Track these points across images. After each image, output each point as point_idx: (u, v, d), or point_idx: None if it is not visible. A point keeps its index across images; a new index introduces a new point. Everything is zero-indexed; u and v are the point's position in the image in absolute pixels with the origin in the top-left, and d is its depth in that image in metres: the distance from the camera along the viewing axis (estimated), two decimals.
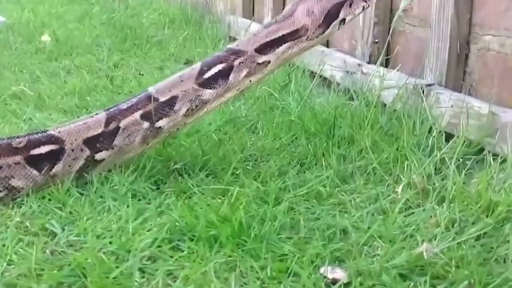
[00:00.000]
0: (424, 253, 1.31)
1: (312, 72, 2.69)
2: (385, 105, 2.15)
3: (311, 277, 1.25)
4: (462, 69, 2.05)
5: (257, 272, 1.28)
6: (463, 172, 1.67)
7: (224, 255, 1.34)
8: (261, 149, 1.98)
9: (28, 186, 1.64)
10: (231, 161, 1.81)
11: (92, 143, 1.69)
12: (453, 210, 1.50)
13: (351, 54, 2.59)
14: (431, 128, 1.91)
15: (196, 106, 1.76)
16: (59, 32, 3.96)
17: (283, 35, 1.79)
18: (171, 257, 1.35)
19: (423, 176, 1.69)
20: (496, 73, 1.92)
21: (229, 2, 4.07)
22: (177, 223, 1.44)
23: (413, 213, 1.54)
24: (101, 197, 1.62)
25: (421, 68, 2.16)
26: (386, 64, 2.34)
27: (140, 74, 3.03)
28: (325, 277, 1.26)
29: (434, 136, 1.86)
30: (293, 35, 1.79)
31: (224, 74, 1.77)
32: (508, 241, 1.37)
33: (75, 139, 1.67)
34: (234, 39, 3.19)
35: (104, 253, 1.34)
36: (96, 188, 1.66)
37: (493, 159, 1.67)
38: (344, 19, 1.83)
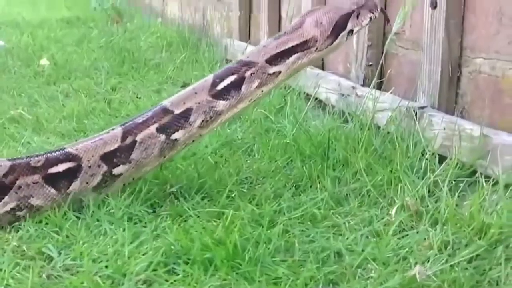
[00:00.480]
0: (417, 276, 1.32)
1: (307, 95, 2.72)
2: (379, 127, 2.18)
3: None
4: (454, 92, 2.08)
5: None
6: (456, 194, 1.68)
7: (219, 278, 1.35)
8: (257, 172, 2.00)
9: (46, 204, 1.66)
10: (226, 184, 1.83)
11: (109, 158, 1.70)
12: (446, 232, 1.51)
13: (345, 77, 2.63)
14: (424, 150, 1.94)
15: (211, 117, 1.79)
16: (57, 55, 3.99)
17: (292, 46, 1.82)
18: (166, 280, 1.36)
19: (416, 199, 1.71)
20: (488, 96, 1.95)
21: (225, 25, 4.12)
22: (172, 246, 1.46)
23: (406, 235, 1.56)
24: (98, 220, 1.64)
25: (414, 91, 2.18)
26: (380, 86, 2.37)
27: (137, 97, 3.06)
28: None
29: (427, 159, 1.88)
30: (303, 46, 1.83)
31: (236, 85, 1.80)
32: (501, 264, 1.38)
33: (92, 156, 1.69)
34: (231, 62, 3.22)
35: (100, 277, 1.35)
36: (93, 211, 1.67)
37: (486, 181, 1.69)
38: (352, 30, 1.87)
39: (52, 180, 1.65)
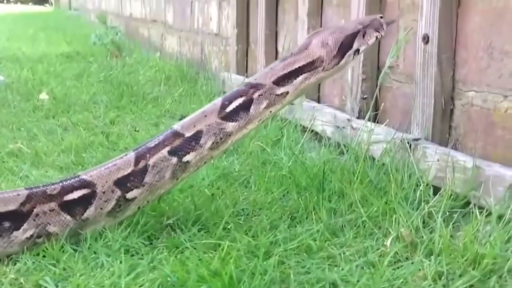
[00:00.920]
0: None
1: (303, 127, 2.75)
2: (374, 159, 2.20)
3: None
4: (447, 124, 2.11)
5: None
6: (450, 225, 1.70)
7: None
8: (253, 203, 2.02)
9: (62, 231, 1.69)
10: (223, 216, 1.84)
11: (123, 183, 1.73)
12: (440, 263, 1.53)
13: (341, 110, 2.67)
14: (418, 181, 1.96)
15: (221, 139, 1.81)
16: (57, 90, 4.03)
17: (299, 67, 1.85)
18: None
19: (411, 229, 1.72)
20: (480, 128, 1.98)
21: (223, 59, 4.18)
22: (168, 278, 1.47)
23: (401, 266, 1.57)
24: (95, 253, 1.65)
25: (408, 123, 2.22)
26: (375, 119, 2.40)
27: (135, 130, 3.09)
28: None
29: (421, 190, 1.90)
30: (310, 66, 1.85)
31: (245, 107, 1.83)
32: None
33: (106, 181, 1.71)
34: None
35: None
36: (90, 244, 1.68)
37: (479, 211, 1.71)
38: (358, 49, 1.90)
39: (68, 207, 1.69)
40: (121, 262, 1.56)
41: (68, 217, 1.68)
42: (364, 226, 1.81)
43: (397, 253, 1.63)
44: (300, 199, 1.99)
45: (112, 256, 1.62)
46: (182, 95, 3.84)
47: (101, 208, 1.71)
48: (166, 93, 3.97)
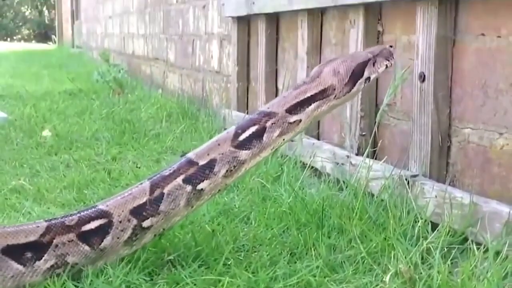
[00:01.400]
0: None
1: (303, 163, 2.78)
2: (372, 195, 2.23)
3: None
4: (445, 161, 2.14)
5: None
6: (448, 261, 1.72)
7: None
8: (253, 239, 2.03)
9: (81, 261, 1.71)
10: (223, 252, 1.86)
11: (139, 212, 1.75)
12: None
13: (340, 146, 2.70)
14: (416, 217, 1.98)
15: (234, 166, 1.83)
16: (59, 127, 4.08)
17: (311, 95, 1.88)
18: None
19: (409, 266, 1.73)
20: (477, 165, 2.01)
21: (224, 96, 4.24)
22: None
23: None
24: None
25: (406, 159, 2.25)
26: (373, 155, 2.43)
27: (137, 166, 3.12)
28: None
29: (419, 226, 1.92)
30: (322, 95, 1.89)
31: (258, 135, 1.85)
32: None
33: (122, 211, 1.73)
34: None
35: None
36: (91, 280, 1.69)
37: (477, 247, 1.72)
38: (369, 77, 1.94)
39: (85, 237, 1.71)
40: None
41: (86, 247, 1.70)
42: (363, 262, 1.82)
43: None
44: (299, 235, 2.01)
45: None
46: (184, 131, 3.88)
47: (118, 238, 1.73)
48: (167, 129, 4.01)
